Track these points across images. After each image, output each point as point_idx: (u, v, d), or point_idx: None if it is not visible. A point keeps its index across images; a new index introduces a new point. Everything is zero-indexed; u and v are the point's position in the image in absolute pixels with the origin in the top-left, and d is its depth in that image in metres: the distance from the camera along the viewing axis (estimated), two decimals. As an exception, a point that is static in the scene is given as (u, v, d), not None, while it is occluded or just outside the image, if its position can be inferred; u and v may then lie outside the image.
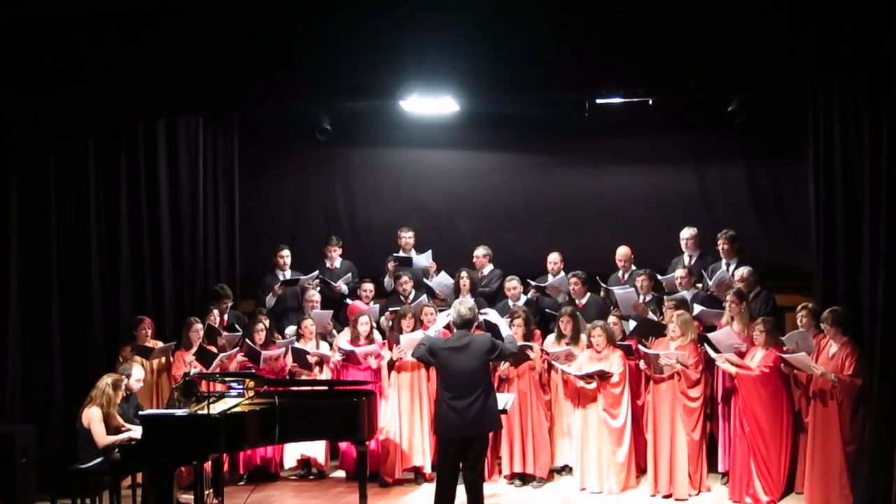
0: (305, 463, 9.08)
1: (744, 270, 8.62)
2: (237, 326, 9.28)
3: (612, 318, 8.63)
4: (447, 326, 8.25)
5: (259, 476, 8.92)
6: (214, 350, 8.74)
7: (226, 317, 9.40)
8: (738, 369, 7.81)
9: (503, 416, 7.68)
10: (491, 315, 7.78)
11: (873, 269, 7.33)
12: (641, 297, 8.96)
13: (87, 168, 8.98)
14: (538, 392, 8.59)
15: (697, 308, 8.59)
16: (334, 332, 9.40)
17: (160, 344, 8.77)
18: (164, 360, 8.83)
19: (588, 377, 8.23)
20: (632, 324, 8.73)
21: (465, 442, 7.01)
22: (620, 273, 9.54)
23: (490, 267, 9.91)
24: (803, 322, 7.89)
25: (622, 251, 9.54)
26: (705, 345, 8.01)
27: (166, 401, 8.40)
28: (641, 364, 8.30)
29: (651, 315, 8.69)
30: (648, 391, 8.30)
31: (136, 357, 8.48)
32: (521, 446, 8.52)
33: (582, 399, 8.35)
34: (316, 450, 8.96)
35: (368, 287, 9.65)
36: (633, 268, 9.42)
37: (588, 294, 9.31)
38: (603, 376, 8.21)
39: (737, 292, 8.27)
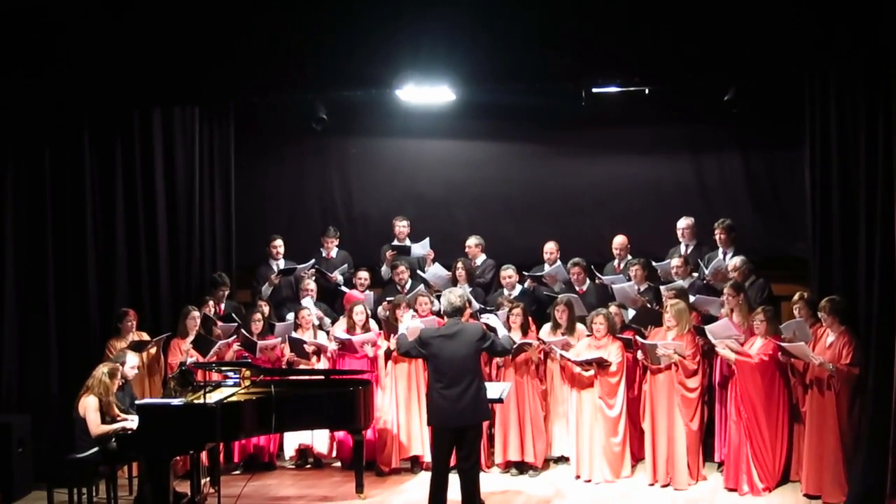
0: (303, 452, 9.09)
1: (737, 260, 8.63)
2: (234, 316, 9.28)
3: (613, 308, 8.63)
4: (439, 315, 8.25)
5: (257, 465, 8.92)
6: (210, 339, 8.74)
7: (222, 306, 9.40)
8: (738, 356, 7.81)
9: (499, 405, 7.68)
10: (491, 320, 7.78)
11: (869, 259, 7.34)
12: (636, 286, 8.95)
13: (82, 158, 8.97)
14: (534, 381, 8.59)
15: (693, 297, 8.59)
16: (327, 321, 9.40)
17: (145, 335, 8.76)
18: (153, 350, 8.80)
19: (586, 363, 8.24)
20: (631, 312, 8.74)
21: (459, 431, 7.01)
22: (616, 262, 9.55)
23: (483, 257, 9.91)
24: (801, 313, 7.89)
25: (619, 240, 9.56)
26: (706, 333, 8.02)
27: (154, 392, 8.49)
28: (639, 355, 8.30)
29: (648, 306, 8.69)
30: (646, 382, 8.31)
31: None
32: (519, 435, 8.54)
33: (578, 384, 8.36)
34: (318, 439, 8.97)
35: (363, 275, 9.67)
36: (629, 257, 9.42)
37: (588, 281, 9.32)
38: (601, 364, 8.22)
39: (733, 284, 8.27)
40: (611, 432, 8.28)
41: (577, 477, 8.37)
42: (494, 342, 7.19)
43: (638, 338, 8.30)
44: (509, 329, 8.32)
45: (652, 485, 8.17)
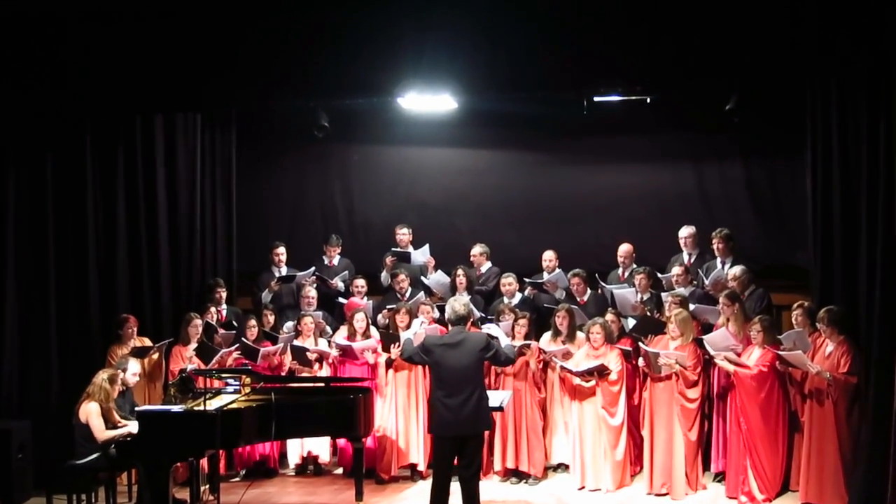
0: (303, 459, 9.08)
1: (736, 270, 8.60)
2: (235, 324, 9.28)
3: (609, 316, 8.61)
4: (442, 323, 8.24)
5: (257, 473, 8.92)
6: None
7: (224, 312, 9.40)
8: (737, 368, 7.80)
9: (499, 413, 7.66)
10: (493, 329, 7.78)
11: (870, 268, 7.34)
12: (640, 295, 8.94)
13: (84, 164, 8.98)
14: (533, 390, 8.58)
15: (693, 305, 8.58)
16: (328, 328, 9.40)
17: (147, 341, 8.77)
18: (155, 356, 8.79)
19: (587, 374, 8.23)
20: (630, 321, 8.72)
21: (460, 440, 6.99)
22: (620, 270, 9.52)
23: (488, 265, 9.89)
24: (798, 321, 7.89)
25: (624, 248, 9.52)
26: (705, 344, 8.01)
27: (155, 399, 8.49)
28: (640, 362, 8.28)
29: (649, 315, 8.67)
30: (645, 389, 8.29)
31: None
32: (515, 444, 8.52)
33: (579, 395, 8.35)
34: (319, 446, 8.97)
35: (360, 283, 9.64)
36: (634, 266, 9.40)
37: (588, 291, 9.30)
38: (602, 372, 8.20)
39: (729, 294, 8.23)
40: (613, 441, 8.26)
41: (582, 487, 8.35)
42: (498, 352, 7.18)
43: (641, 344, 8.29)
44: (513, 338, 8.32)
45: (649, 494, 8.15)
